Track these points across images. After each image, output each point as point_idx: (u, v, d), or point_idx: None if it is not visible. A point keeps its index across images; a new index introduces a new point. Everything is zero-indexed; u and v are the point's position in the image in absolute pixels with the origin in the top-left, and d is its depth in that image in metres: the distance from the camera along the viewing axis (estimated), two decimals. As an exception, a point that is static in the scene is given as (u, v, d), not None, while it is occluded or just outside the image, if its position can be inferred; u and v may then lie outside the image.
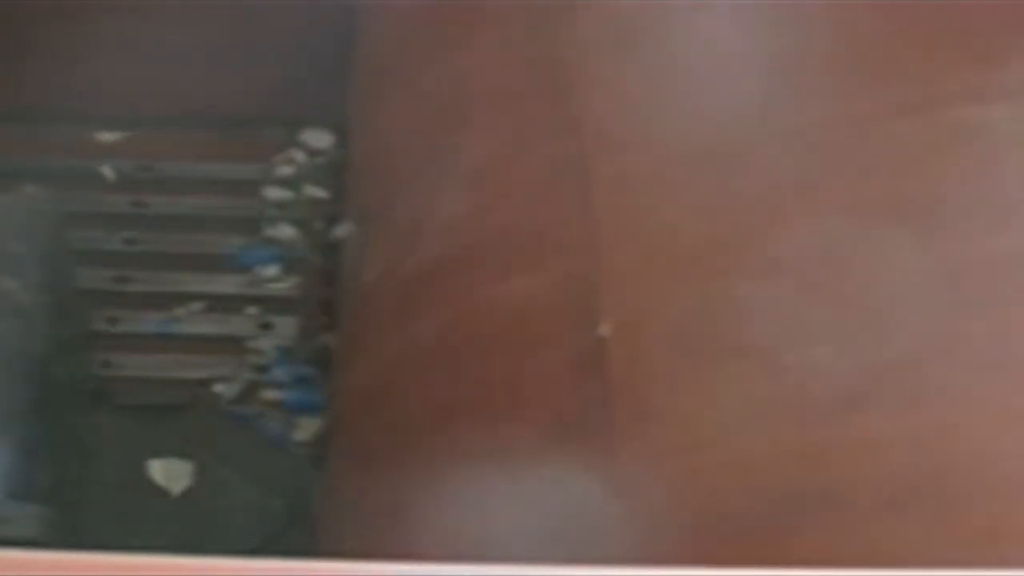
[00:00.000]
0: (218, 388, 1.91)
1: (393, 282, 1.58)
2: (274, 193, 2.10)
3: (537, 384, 1.35)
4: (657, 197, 1.37)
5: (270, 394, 1.91)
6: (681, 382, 1.24)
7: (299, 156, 2.13)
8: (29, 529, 1.47)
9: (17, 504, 1.49)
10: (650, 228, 1.35)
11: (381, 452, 1.49)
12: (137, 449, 1.77)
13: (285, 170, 2.12)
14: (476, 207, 1.52)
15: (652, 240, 1.34)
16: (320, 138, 2.13)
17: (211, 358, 1.94)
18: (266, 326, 1.97)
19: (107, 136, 2.16)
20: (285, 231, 2.07)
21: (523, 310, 1.39)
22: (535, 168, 1.49)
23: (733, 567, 0.86)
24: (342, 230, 1.74)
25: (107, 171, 2.12)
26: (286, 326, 1.98)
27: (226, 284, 2.02)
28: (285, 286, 2.01)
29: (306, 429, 1.86)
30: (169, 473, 1.77)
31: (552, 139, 1.48)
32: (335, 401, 1.67)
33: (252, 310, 1.99)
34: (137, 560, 0.87)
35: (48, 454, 1.54)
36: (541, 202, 1.46)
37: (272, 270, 2.03)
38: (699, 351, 1.25)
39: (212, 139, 2.13)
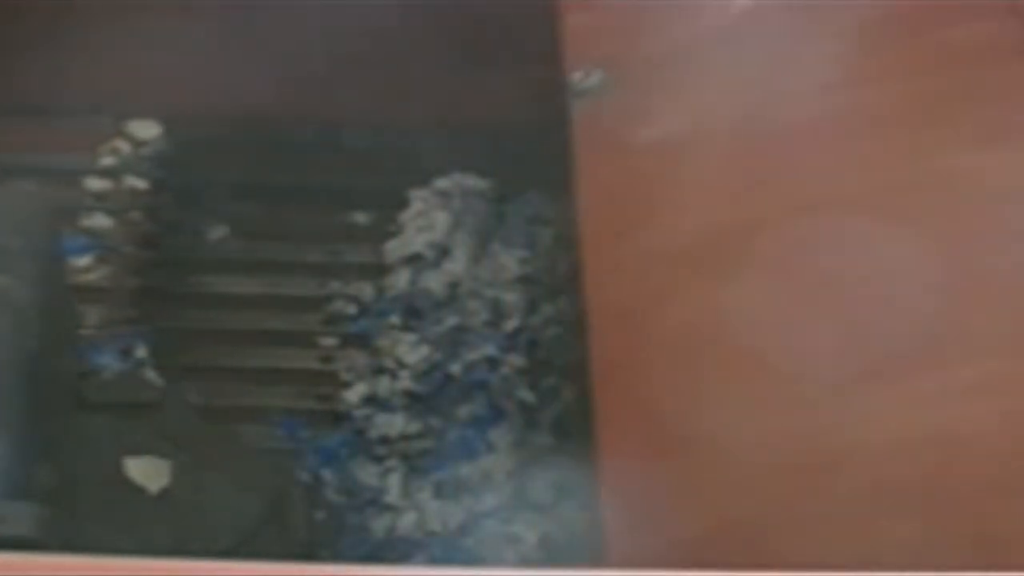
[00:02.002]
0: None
1: (701, 147, 1.42)
2: (95, 183, 2.09)
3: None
4: None
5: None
6: None
7: (124, 147, 2.11)
8: (26, 528, 1.46)
9: (13, 503, 1.48)
10: None
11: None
12: (113, 447, 1.77)
13: (108, 160, 2.10)
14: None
15: None
16: (147, 128, 2.12)
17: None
18: None
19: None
20: (101, 221, 2.06)
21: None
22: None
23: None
24: (585, 76, 1.57)
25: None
26: (93, 316, 1.97)
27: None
28: (95, 276, 2.01)
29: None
30: (147, 472, 1.76)
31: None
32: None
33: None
34: (137, 563, 0.88)
35: (43, 453, 1.54)
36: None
37: (85, 260, 2.02)
38: None
39: (39, 128, 2.10)
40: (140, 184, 2.06)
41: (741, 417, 1.26)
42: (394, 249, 2.09)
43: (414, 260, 2.06)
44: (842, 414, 1.25)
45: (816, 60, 1.43)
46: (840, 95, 1.41)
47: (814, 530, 1.20)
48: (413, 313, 1.98)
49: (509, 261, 2.05)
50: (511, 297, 2.01)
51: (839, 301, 1.31)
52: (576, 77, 1.54)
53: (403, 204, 2.12)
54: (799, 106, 1.41)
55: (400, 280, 2.04)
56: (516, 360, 1.93)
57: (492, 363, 1.92)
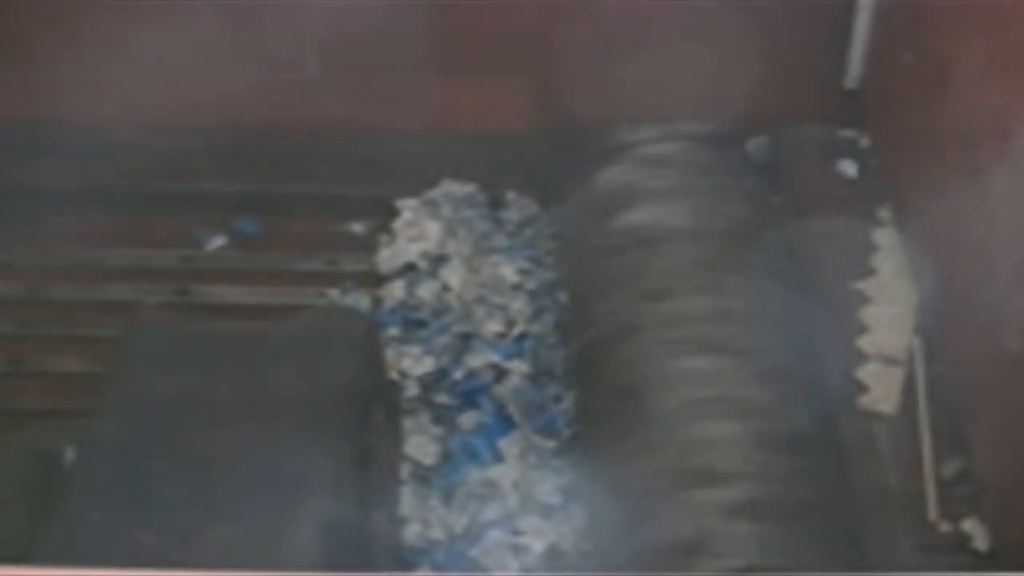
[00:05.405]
0: None
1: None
2: None
3: None
4: None
5: None
6: None
7: None
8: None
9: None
10: None
11: None
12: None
13: None
14: None
15: None
16: None
17: None
18: None
19: None
20: None
21: None
22: None
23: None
24: None
25: None
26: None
27: None
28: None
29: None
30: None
31: None
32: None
33: None
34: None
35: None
36: None
37: None
38: None
39: None
40: None
41: None
42: (387, 260, 2.09)
43: (408, 270, 2.07)
44: None
45: None
46: None
47: None
48: (413, 324, 1.99)
49: (506, 269, 2.06)
50: (513, 304, 2.01)
51: None
52: None
53: (395, 213, 2.14)
54: None
55: (396, 291, 2.04)
56: (521, 367, 1.94)
57: (497, 371, 1.92)
